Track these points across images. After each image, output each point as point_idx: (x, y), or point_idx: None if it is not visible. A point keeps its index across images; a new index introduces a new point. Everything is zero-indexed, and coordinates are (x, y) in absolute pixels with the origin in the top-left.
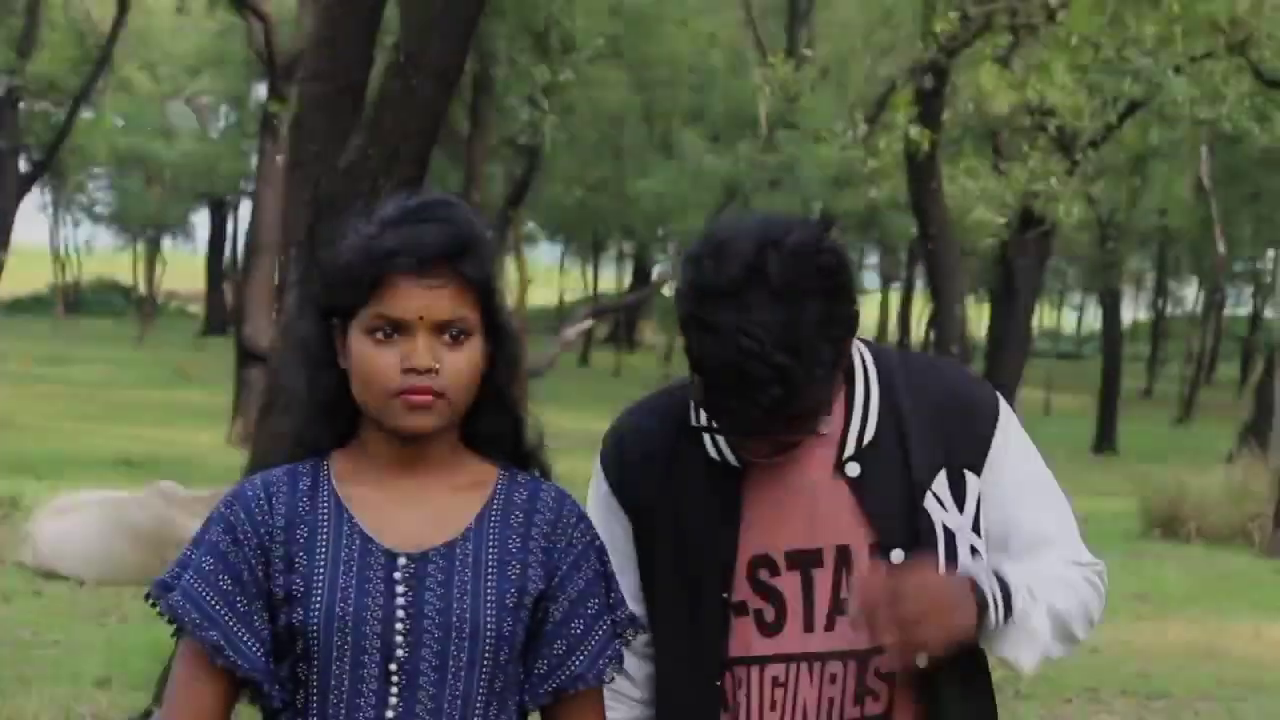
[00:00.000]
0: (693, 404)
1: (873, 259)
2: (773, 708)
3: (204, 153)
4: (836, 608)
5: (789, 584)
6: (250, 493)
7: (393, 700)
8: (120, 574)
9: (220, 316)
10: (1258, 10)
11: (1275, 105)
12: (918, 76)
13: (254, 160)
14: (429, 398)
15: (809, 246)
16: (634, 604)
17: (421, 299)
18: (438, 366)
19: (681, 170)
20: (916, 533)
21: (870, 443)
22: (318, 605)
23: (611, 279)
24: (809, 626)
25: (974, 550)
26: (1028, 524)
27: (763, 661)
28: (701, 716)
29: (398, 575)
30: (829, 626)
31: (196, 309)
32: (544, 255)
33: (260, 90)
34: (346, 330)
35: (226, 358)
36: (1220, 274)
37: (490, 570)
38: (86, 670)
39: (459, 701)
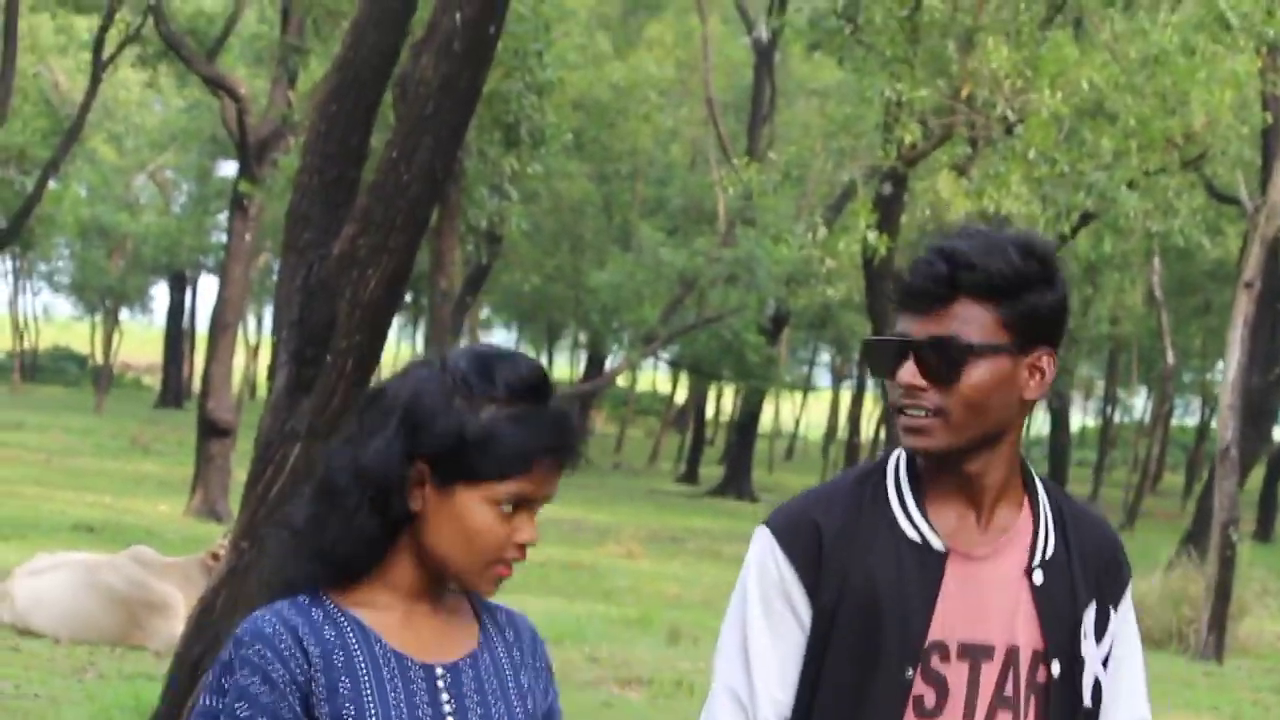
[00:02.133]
0: (890, 482)
1: (825, 357)
2: None
3: (166, 226)
4: (998, 703)
5: (955, 673)
6: (269, 630)
7: None
8: (95, 633)
9: (176, 389)
10: (1212, 128)
11: (1227, 220)
12: (877, 183)
13: (215, 236)
14: (511, 573)
15: (1030, 241)
16: (785, 687)
17: (553, 485)
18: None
19: (638, 262)
20: (1074, 651)
21: (1051, 559)
22: None
23: (565, 367)
24: (970, 716)
25: (1098, 684)
26: (1133, 684)
27: None
28: None
29: (440, 684)
30: (989, 718)
31: (151, 380)
32: (498, 341)
33: (224, 167)
34: (446, 482)
35: (182, 429)
36: (1169, 383)
37: (509, 679)
38: None
39: None
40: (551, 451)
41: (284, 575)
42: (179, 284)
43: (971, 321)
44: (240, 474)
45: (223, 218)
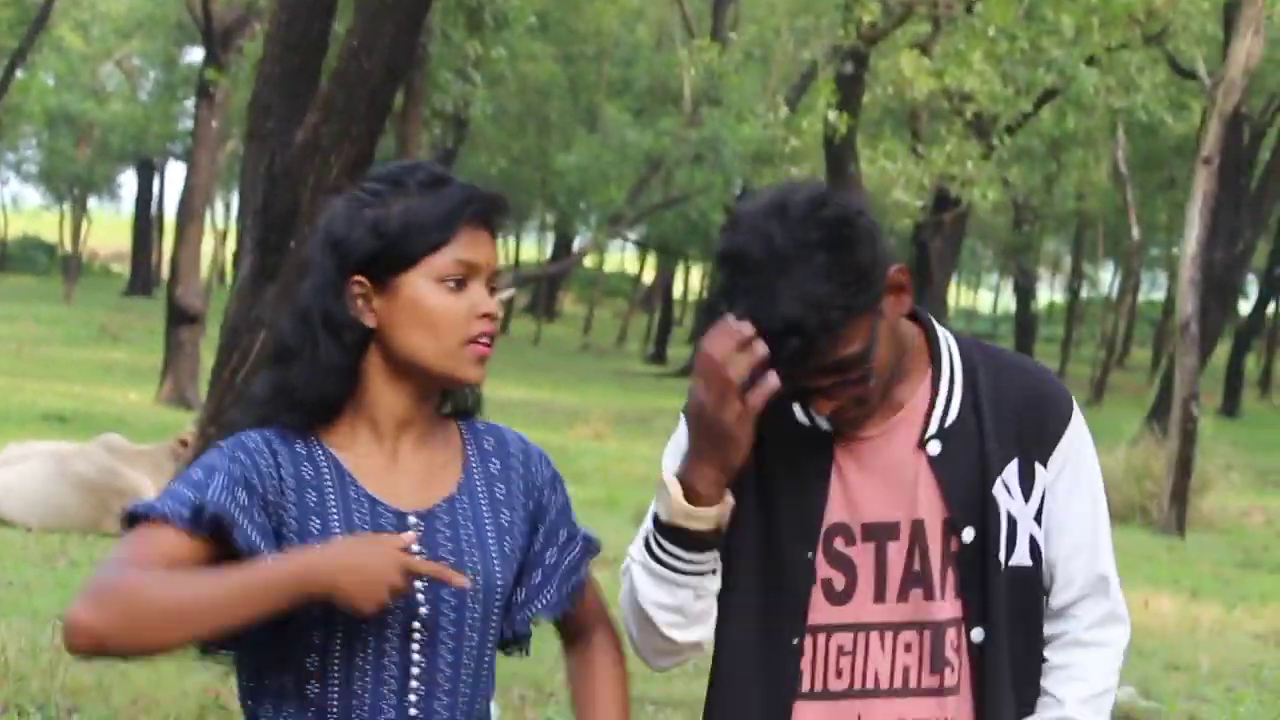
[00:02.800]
0: None
1: None
2: (839, 675)
3: (133, 114)
4: (910, 579)
5: (862, 555)
6: (252, 445)
7: (415, 657)
8: (66, 522)
9: (145, 276)
10: (1174, 3)
11: (1190, 95)
12: (838, 62)
13: (182, 123)
14: (490, 349)
15: (808, 205)
16: None
17: (488, 247)
18: (500, 313)
19: (605, 144)
20: (985, 515)
21: (952, 425)
22: None
23: (533, 248)
24: (880, 597)
25: (1033, 540)
26: (1078, 539)
27: (829, 630)
28: (776, 678)
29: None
30: (902, 597)
31: (120, 268)
32: None
33: (191, 54)
34: (383, 288)
35: (152, 317)
36: (1135, 259)
37: (487, 521)
38: (43, 608)
39: (474, 651)
40: (472, 205)
41: (293, 399)
42: (146, 171)
43: (846, 342)
44: (210, 360)
45: (190, 104)
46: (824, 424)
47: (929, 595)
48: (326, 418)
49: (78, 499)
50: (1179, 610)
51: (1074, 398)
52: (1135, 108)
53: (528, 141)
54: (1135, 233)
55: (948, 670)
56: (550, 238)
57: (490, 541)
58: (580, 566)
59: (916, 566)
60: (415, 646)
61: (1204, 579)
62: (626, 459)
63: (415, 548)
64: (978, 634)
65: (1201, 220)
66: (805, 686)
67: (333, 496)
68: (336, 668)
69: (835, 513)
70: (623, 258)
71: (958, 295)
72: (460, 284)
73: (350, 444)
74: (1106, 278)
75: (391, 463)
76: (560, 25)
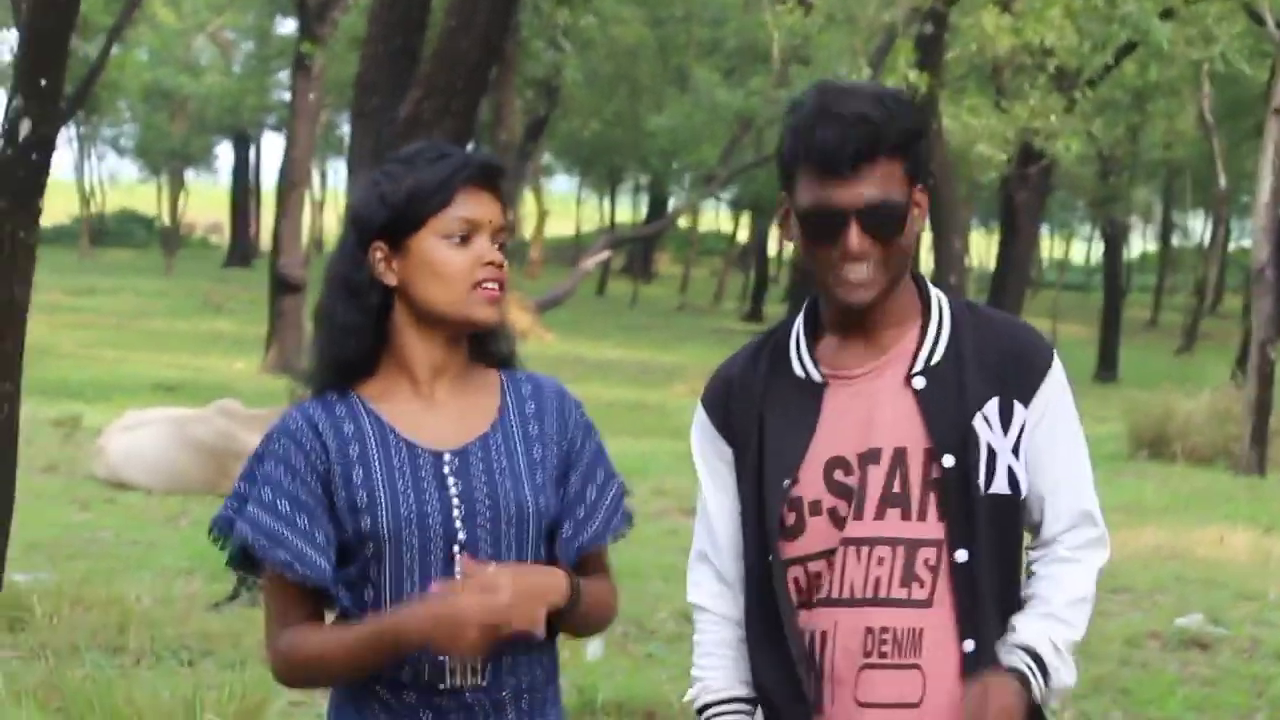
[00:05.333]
0: (794, 330)
1: None
2: (819, 587)
3: (228, 87)
4: (888, 499)
5: (855, 480)
6: (293, 426)
7: (459, 576)
8: (186, 484)
9: (244, 247)
10: None
11: (1272, 44)
12: (920, 23)
13: (276, 95)
14: (499, 291)
15: (904, 94)
16: (730, 525)
17: (489, 206)
18: (505, 262)
19: (696, 104)
20: (965, 445)
21: (936, 365)
22: (384, 509)
23: (628, 210)
24: (859, 515)
25: (1011, 471)
26: (1060, 475)
27: (813, 554)
28: (767, 594)
29: (446, 470)
30: (878, 515)
31: (218, 240)
32: (561, 187)
33: (283, 25)
34: (399, 250)
35: (253, 287)
36: (1224, 207)
37: (520, 455)
38: (170, 563)
39: None
40: (466, 169)
41: (314, 386)
42: (242, 143)
43: (894, 179)
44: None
45: (283, 76)
46: (816, 375)
47: (906, 516)
48: (361, 374)
49: (197, 462)
50: (1252, 544)
51: (1050, 345)
52: (1214, 59)
53: (619, 104)
54: (1223, 181)
55: (915, 585)
56: (645, 199)
57: (523, 473)
58: (621, 504)
59: (896, 489)
60: (457, 568)
61: (1279, 516)
62: None
63: (450, 480)
64: (961, 555)
65: (1274, 169)
66: (795, 599)
67: (374, 446)
68: (389, 593)
69: (833, 448)
70: (717, 217)
71: (1051, 247)
72: (465, 239)
73: (390, 395)
74: (1198, 226)
75: (429, 407)
76: None
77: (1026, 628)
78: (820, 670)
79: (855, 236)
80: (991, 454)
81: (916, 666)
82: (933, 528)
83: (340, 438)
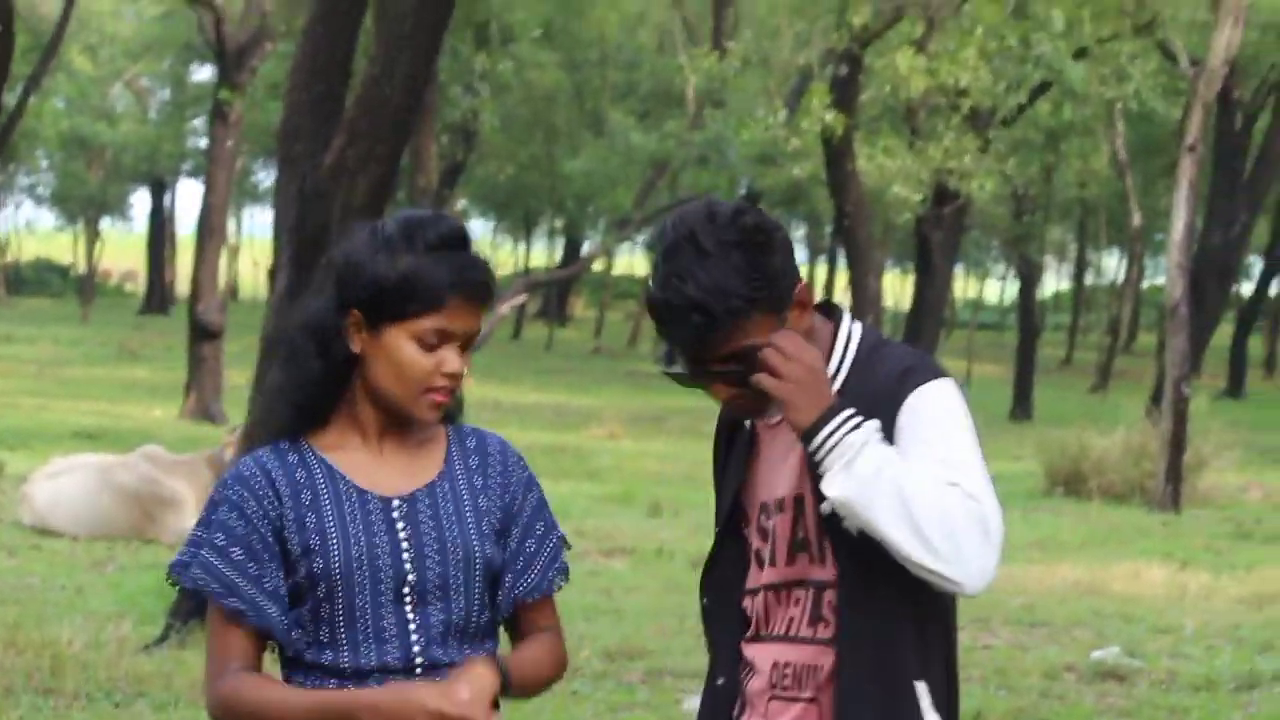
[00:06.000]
0: None
1: (799, 232)
2: (767, 624)
3: (144, 135)
4: (796, 545)
5: (774, 525)
6: (247, 473)
7: (409, 614)
8: (111, 530)
9: (160, 294)
10: None
11: (1185, 82)
12: (834, 65)
13: (191, 141)
14: (447, 399)
15: (734, 213)
16: None
17: (469, 319)
18: (466, 369)
19: (610, 148)
20: None
21: None
22: (336, 551)
23: (543, 254)
24: (773, 562)
25: None
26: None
27: (753, 592)
28: (728, 627)
29: (395, 514)
30: (789, 561)
31: (133, 287)
32: (476, 231)
33: (199, 72)
34: (372, 327)
35: (169, 334)
36: (1138, 244)
37: (466, 503)
38: (99, 607)
39: (462, 611)
40: (459, 288)
41: (270, 426)
42: (158, 190)
43: (745, 334)
44: (231, 375)
45: (198, 123)
46: (746, 423)
47: (812, 560)
48: (316, 422)
49: (122, 508)
50: (1168, 579)
51: (949, 374)
52: (1127, 98)
53: (535, 148)
54: (1137, 219)
55: (821, 625)
56: (560, 243)
57: (469, 519)
58: (559, 556)
59: (800, 534)
60: (408, 606)
61: (1195, 551)
62: (641, 456)
63: (400, 524)
64: (851, 594)
65: (1188, 206)
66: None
67: (325, 492)
68: (342, 632)
69: (761, 492)
70: (631, 261)
71: (965, 287)
72: (434, 346)
73: (341, 445)
74: (1112, 264)
75: (378, 458)
76: (563, 33)
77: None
78: (744, 697)
79: (722, 391)
80: None
81: (814, 700)
82: (831, 570)
83: (293, 484)
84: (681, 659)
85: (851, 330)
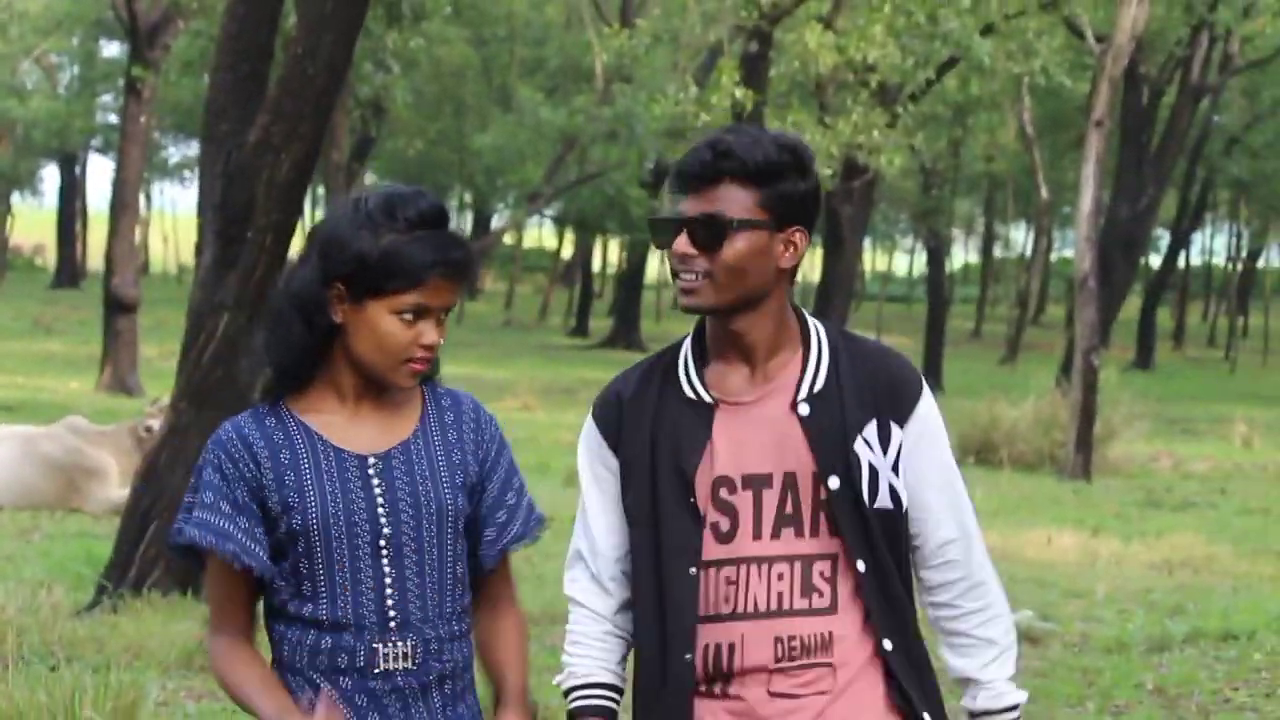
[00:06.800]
0: (682, 353)
1: None
2: (726, 600)
3: (55, 110)
4: (781, 520)
5: (742, 501)
6: (225, 438)
7: (386, 567)
8: (35, 500)
9: (72, 268)
10: None
11: (1091, 57)
12: (744, 41)
13: (103, 117)
14: (425, 367)
15: (783, 134)
16: (613, 534)
17: (448, 296)
18: (442, 340)
19: (519, 123)
20: (849, 466)
21: (819, 391)
22: (314, 507)
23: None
24: (757, 535)
25: (893, 489)
26: (938, 496)
27: (718, 564)
28: (679, 605)
29: (370, 472)
30: (775, 535)
31: (43, 262)
32: None
33: (109, 48)
34: (354, 300)
35: (82, 308)
36: (1045, 218)
37: (440, 460)
38: (29, 575)
39: (436, 564)
40: (439, 266)
41: (258, 388)
42: (68, 166)
43: (733, 201)
44: (145, 348)
45: (108, 99)
46: (706, 396)
47: (799, 534)
48: (297, 386)
49: (47, 478)
50: (1080, 545)
51: (920, 374)
52: (1034, 73)
53: (444, 123)
54: (1044, 193)
55: (815, 595)
56: (469, 217)
57: (443, 474)
58: (535, 509)
59: (789, 510)
60: (385, 560)
61: (1106, 518)
62: (555, 427)
63: (375, 481)
64: (861, 565)
65: (1095, 180)
66: (701, 611)
67: (303, 452)
68: (323, 585)
69: (719, 467)
70: (541, 234)
71: (873, 260)
72: (414, 320)
73: (319, 408)
74: (1019, 237)
75: (354, 418)
76: (471, 9)
77: (995, 675)
78: (730, 672)
79: (681, 242)
80: (874, 473)
81: (829, 664)
82: (824, 543)
83: (271, 446)
84: None
85: (816, 322)
